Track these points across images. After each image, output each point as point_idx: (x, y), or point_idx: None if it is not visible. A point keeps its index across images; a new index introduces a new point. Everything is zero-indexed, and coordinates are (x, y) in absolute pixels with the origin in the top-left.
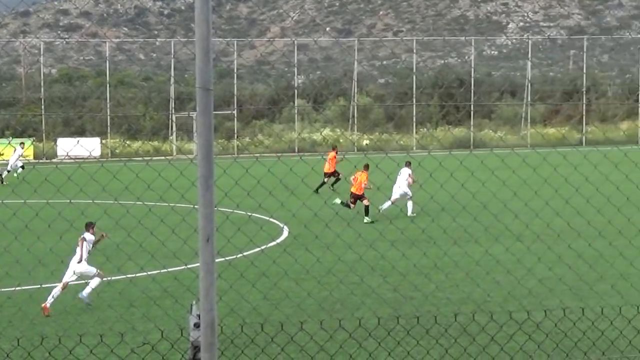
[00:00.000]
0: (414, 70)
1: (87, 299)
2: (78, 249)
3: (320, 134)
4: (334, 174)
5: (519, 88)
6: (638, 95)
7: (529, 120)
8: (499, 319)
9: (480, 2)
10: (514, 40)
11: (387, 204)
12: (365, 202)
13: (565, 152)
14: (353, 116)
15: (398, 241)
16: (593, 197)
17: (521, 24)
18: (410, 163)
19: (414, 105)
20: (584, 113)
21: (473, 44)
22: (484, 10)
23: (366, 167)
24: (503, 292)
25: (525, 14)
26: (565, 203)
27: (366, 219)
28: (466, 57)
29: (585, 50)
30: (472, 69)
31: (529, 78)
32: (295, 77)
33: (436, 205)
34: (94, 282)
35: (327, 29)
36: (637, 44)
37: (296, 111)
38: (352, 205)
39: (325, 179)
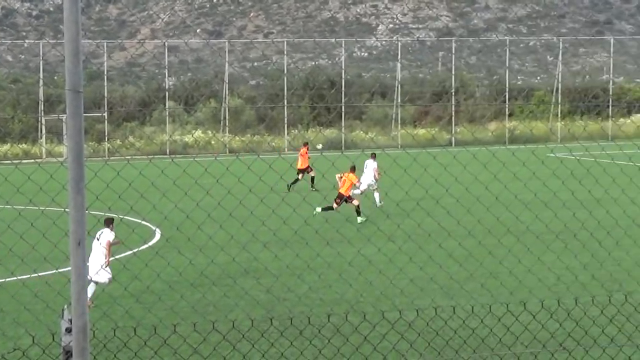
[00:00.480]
0: (285, 71)
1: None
2: (96, 242)
3: (192, 136)
4: (307, 169)
5: (389, 89)
6: (505, 96)
7: (399, 121)
8: (372, 319)
9: (350, 4)
10: (384, 42)
11: (357, 192)
12: (355, 202)
13: (435, 152)
14: (224, 118)
15: (270, 242)
16: (463, 197)
17: (391, 26)
18: (375, 155)
19: (285, 107)
20: (453, 114)
21: (343, 45)
22: (353, 13)
23: (353, 168)
24: (375, 292)
25: (395, 16)
26: (436, 203)
27: (359, 219)
28: (337, 59)
29: (453, 51)
30: (343, 71)
31: (399, 79)
32: (166, 79)
33: (309, 207)
34: (93, 288)
35: (198, 30)
36: (503, 45)
37: (167, 113)
38: (335, 206)
39: (299, 176)
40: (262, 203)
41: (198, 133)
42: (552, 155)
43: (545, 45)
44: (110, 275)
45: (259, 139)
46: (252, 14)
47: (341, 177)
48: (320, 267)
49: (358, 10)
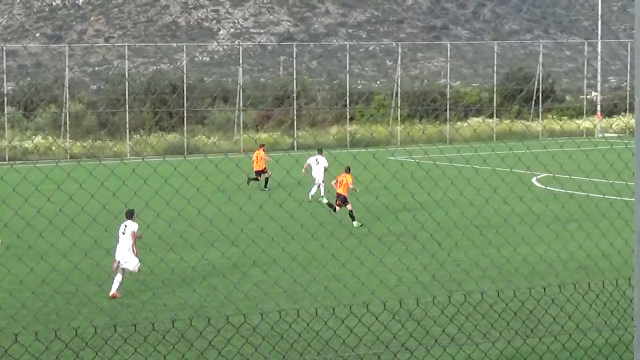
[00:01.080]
0: (126, 76)
1: (118, 292)
2: (123, 236)
3: (32, 141)
4: (264, 171)
5: (231, 94)
6: (346, 100)
7: (241, 126)
8: (216, 324)
9: (191, 9)
10: (226, 47)
11: (314, 189)
12: (349, 206)
13: (278, 156)
14: (65, 123)
15: (113, 249)
16: (305, 201)
17: (232, 30)
18: (321, 150)
19: (127, 112)
20: (295, 118)
21: (185, 50)
22: (195, 17)
23: (348, 169)
24: (219, 296)
25: (236, 21)
26: (279, 207)
27: (355, 224)
28: (178, 63)
29: (294, 56)
30: (185, 75)
31: (241, 83)
32: (5, 84)
33: (151, 212)
34: (119, 278)
35: (37, 34)
36: (344, 50)
37: (6, 119)
38: (337, 208)
39: (258, 177)
40: (105, 209)
41: (38, 139)
42: (392, 158)
43: (384, 50)
44: (139, 263)
45: (101, 144)
46: (92, 18)
47: (337, 182)
48: (164, 272)
49: (199, 14)
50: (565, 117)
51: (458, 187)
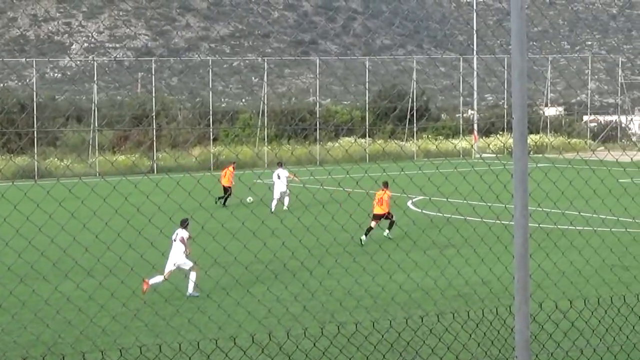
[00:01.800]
0: None
1: (195, 292)
2: (176, 245)
3: None
4: (230, 188)
5: (85, 113)
6: (209, 119)
7: (97, 147)
8: None
9: (41, 21)
10: (79, 62)
11: (274, 203)
12: (393, 218)
13: (136, 180)
14: None
15: None
16: (167, 226)
17: (86, 44)
18: (282, 163)
19: None
20: (155, 139)
21: (34, 65)
22: (45, 30)
23: (386, 184)
24: (75, 331)
25: (90, 34)
26: (138, 234)
27: (387, 232)
28: (27, 80)
29: (153, 72)
30: (34, 93)
31: (96, 102)
32: None
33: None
34: (193, 276)
35: None
36: (206, 66)
37: None
38: (373, 225)
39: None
40: None
41: None
42: (259, 181)
43: (249, 65)
44: (191, 263)
45: None
46: None
47: (376, 200)
48: (14, 306)
49: (50, 27)
50: (441, 137)
51: (329, 212)
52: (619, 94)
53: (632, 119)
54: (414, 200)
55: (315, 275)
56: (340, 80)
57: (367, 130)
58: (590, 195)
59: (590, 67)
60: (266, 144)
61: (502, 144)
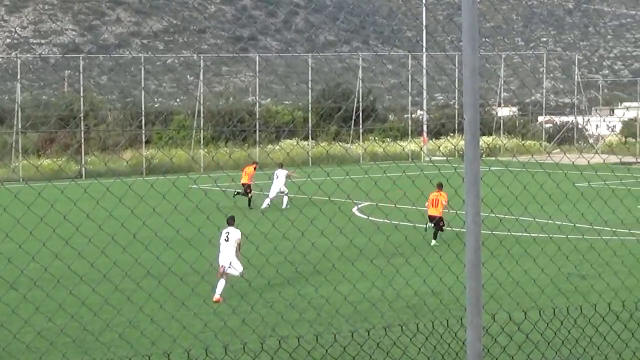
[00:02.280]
0: None
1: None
2: (226, 243)
3: None
4: (250, 187)
5: (7, 114)
6: (142, 120)
7: (20, 151)
8: None
9: None
10: (1, 59)
11: (267, 202)
12: (442, 226)
13: (62, 185)
14: None
15: None
16: (96, 236)
17: (8, 40)
18: (282, 165)
19: None
20: (83, 141)
21: None
22: None
23: (440, 185)
24: None
25: (13, 29)
26: (65, 244)
27: (433, 242)
28: None
29: (81, 70)
30: None
31: (19, 102)
32: None
33: None
34: (222, 283)
35: None
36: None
37: None
38: (442, 227)
39: (246, 192)
40: None
41: None
42: (195, 186)
43: (184, 63)
44: (243, 269)
45: None
46: None
47: (430, 201)
48: None
49: None
50: (388, 139)
51: (270, 219)
52: (576, 94)
53: (589, 120)
54: (359, 206)
55: (255, 287)
56: (281, 78)
57: (309, 131)
58: (545, 201)
59: (545, 65)
60: (202, 146)
61: (453, 147)
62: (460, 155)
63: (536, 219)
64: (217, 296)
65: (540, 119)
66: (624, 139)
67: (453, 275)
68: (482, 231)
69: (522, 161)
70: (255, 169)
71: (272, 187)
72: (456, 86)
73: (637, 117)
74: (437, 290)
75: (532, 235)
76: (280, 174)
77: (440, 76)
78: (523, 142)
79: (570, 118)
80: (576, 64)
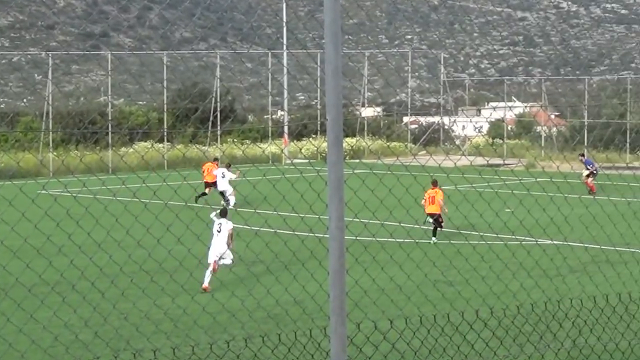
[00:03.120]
0: None
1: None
2: (218, 235)
3: None
4: (213, 184)
5: None
6: None
7: None
8: None
9: None
10: None
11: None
12: (441, 223)
13: None
14: None
15: None
16: None
17: None
18: (230, 165)
19: None
20: None
21: None
22: None
23: (435, 182)
24: None
25: None
26: None
27: (433, 239)
28: None
29: None
30: None
31: None
32: None
33: None
34: (209, 272)
35: None
36: None
37: None
38: (442, 224)
39: (207, 190)
40: None
41: None
42: (44, 192)
43: (32, 61)
44: (232, 257)
45: None
46: None
47: (426, 199)
48: None
49: None
50: (247, 141)
51: (124, 226)
52: (441, 93)
53: (455, 121)
54: (216, 211)
55: (108, 298)
56: (134, 77)
57: (165, 133)
58: (411, 205)
59: (410, 64)
60: (51, 150)
61: (316, 148)
62: (323, 158)
63: (402, 224)
64: (205, 284)
65: (406, 119)
66: (491, 140)
67: (316, 283)
68: (346, 237)
69: (387, 163)
70: (217, 165)
71: (220, 185)
72: (318, 85)
73: (504, 117)
74: (299, 299)
75: (397, 240)
76: (227, 174)
77: (301, 75)
78: (388, 143)
79: (436, 118)
80: (442, 62)
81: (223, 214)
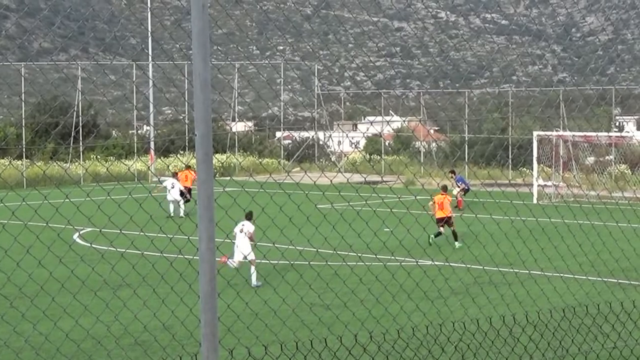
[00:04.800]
0: None
1: (257, 282)
2: (241, 236)
3: None
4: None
5: None
6: None
7: None
8: None
9: None
10: None
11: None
12: (453, 227)
13: None
14: None
15: None
16: None
17: None
18: (176, 174)
19: None
20: None
21: None
22: None
23: (445, 188)
24: None
25: None
26: None
27: (457, 244)
28: None
29: None
30: None
31: None
32: None
33: None
34: (253, 268)
35: None
36: None
37: None
38: (442, 229)
39: (187, 196)
40: None
41: None
42: None
43: None
44: (254, 257)
45: None
46: None
47: (434, 203)
48: None
49: None
50: (111, 158)
51: None
52: (316, 107)
53: (330, 136)
54: (81, 232)
55: None
56: None
57: (23, 150)
58: (285, 224)
59: (282, 76)
60: None
61: (184, 165)
62: None
63: (276, 245)
64: (254, 283)
65: (278, 134)
66: (368, 157)
67: (186, 308)
68: (217, 258)
69: (260, 181)
70: (192, 172)
71: (169, 195)
72: (186, 99)
73: (382, 132)
74: (169, 324)
75: (271, 262)
76: (176, 184)
77: (168, 88)
78: (260, 160)
79: (311, 133)
80: (316, 74)
81: (248, 217)
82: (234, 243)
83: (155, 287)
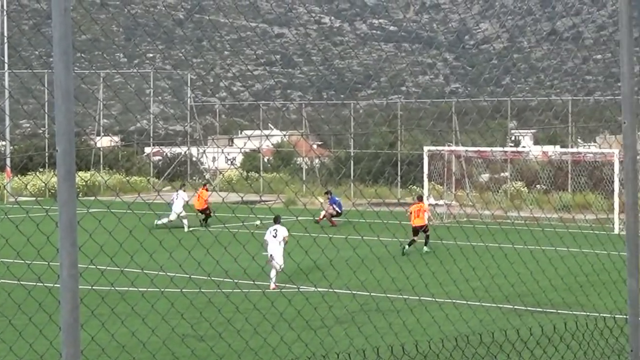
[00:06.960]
0: None
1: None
2: (272, 240)
3: None
4: (206, 210)
5: None
6: None
7: None
8: None
9: None
10: None
11: (165, 219)
12: (428, 232)
13: None
14: None
15: None
16: None
17: None
18: (182, 184)
19: None
20: None
21: None
22: None
23: (420, 197)
24: None
25: None
26: None
27: (425, 249)
28: None
29: None
30: None
31: None
32: None
33: None
34: (273, 273)
35: None
36: None
37: None
38: (416, 238)
39: (205, 213)
40: None
41: None
42: None
43: None
44: (282, 263)
45: None
46: None
47: (411, 212)
48: None
49: None
50: None
51: None
52: (189, 120)
53: (204, 151)
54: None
55: None
56: None
57: None
58: (155, 247)
59: (152, 86)
60: None
61: (44, 184)
62: (53, 195)
63: (145, 270)
64: (272, 285)
65: (148, 150)
66: (245, 174)
67: (46, 341)
68: (80, 286)
69: (127, 201)
70: (207, 190)
71: (173, 208)
72: (46, 111)
73: (260, 147)
74: (26, 359)
75: (140, 290)
76: (180, 195)
77: (26, 99)
78: (127, 178)
79: (183, 149)
80: (189, 84)
81: (277, 220)
82: (266, 251)
83: (11, 319)
